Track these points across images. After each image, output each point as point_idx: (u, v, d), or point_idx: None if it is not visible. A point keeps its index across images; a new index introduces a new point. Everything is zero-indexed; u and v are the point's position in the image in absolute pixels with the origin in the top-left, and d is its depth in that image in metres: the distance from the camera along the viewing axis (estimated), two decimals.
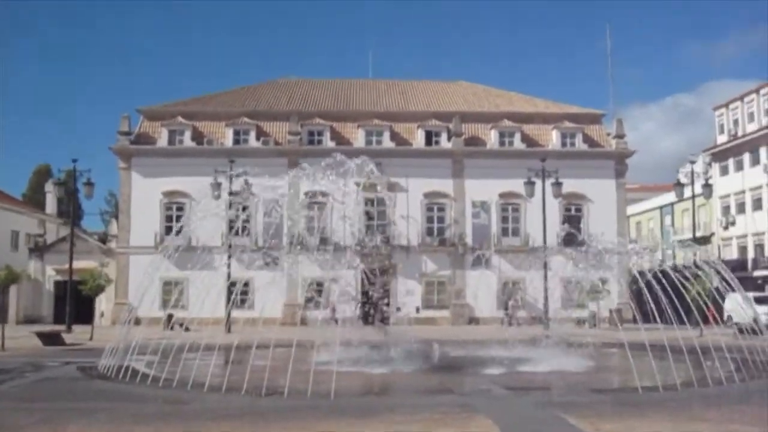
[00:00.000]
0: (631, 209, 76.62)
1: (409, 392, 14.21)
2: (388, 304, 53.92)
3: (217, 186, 44.36)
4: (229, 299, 44.03)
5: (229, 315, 43.09)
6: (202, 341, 17.78)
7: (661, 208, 70.61)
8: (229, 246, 42.06)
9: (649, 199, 74.45)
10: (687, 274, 21.43)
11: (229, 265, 42.30)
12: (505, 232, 54.53)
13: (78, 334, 34.14)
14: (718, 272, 24.30)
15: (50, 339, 27.58)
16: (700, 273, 39.02)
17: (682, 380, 13.94)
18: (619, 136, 55.34)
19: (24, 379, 16.24)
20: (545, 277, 43.21)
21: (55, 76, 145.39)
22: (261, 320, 47.74)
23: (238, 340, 19.52)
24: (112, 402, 12.56)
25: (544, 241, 44.15)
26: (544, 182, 43.02)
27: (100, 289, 37.12)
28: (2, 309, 53.15)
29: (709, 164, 65.08)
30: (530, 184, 43.36)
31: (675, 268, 59.25)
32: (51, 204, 66.67)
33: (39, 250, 54.82)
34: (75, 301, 42.25)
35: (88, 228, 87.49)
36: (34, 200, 76.39)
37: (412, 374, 17.28)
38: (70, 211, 79.37)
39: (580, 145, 55.22)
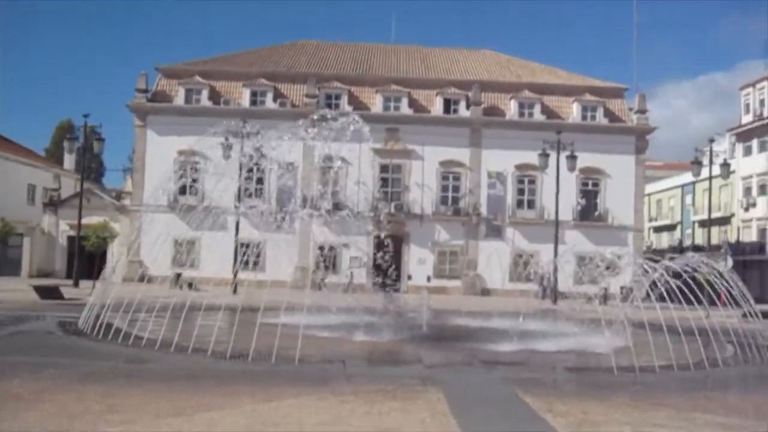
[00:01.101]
0: (652, 187, 75.74)
1: (377, 362, 13.94)
2: (398, 272, 53.98)
3: (228, 147, 44.09)
4: (236, 260, 44.38)
5: (235, 276, 43.23)
6: (202, 301, 17.62)
7: (682, 186, 69.62)
8: (237, 206, 41.75)
9: (672, 177, 73.45)
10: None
11: (237, 227, 42.15)
12: (520, 204, 53.93)
13: (82, 289, 34.19)
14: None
15: (48, 293, 27.52)
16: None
17: (664, 363, 13.51)
18: (641, 111, 54.35)
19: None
20: (555, 250, 42.62)
21: (78, 34, 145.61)
22: (269, 283, 48.04)
23: (237, 302, 19.40)
24: (72, 358, 12.36)
25: (557, 215, 43.54)
26: (558, 155, 42.32)
27: (103, 243, 37.12)
28: (9, 262, 53.86)
29: (734, 144, 63.89)
30: (544, 156, 42.66)
31: (694, 248, 58.46)
32: (69, 159, 66.81)
33: (53, 204, 55.03)
34: (87, 257, 42.39)
35: (110, 185, 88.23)
36: (56, 155, 76.73)
37: (393, 343, 17.01)
38: (85, 167, 79.75)
39: (600, 119, 54.31)
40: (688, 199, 69.29)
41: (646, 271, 17.76)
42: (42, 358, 12.33)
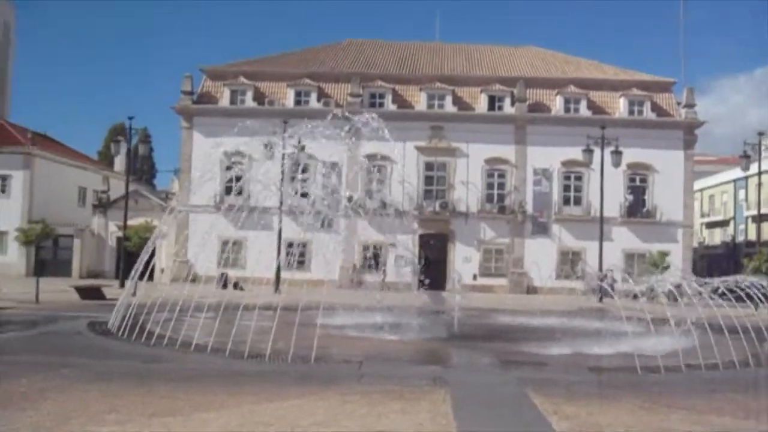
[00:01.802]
0: (704, 182, 74.21)
1: (393, 361, 13.76)
2: (444, 270, 53.69)
3: (270, 147, 44.25)
4: (279, 260, 44.53)
5: (278, 275, 43.45)
6: (240, 301, 17.63)
7: (734, 181, 67.94)
8: (280, 206, 41.85)
9: (724, 172, 71.84)
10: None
11: (280, 227, 42.30)
12: (566, 200, 53.20)
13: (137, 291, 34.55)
14: None
15: (89, 293, 27.92)
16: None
17: (691, 362, 13.12)
18: (689, 105, 53.17)
19: (29, 332, 16.40)
20: (600, 247, 41.90)
21: (128, 39, 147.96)
22: (315, 282, 48.21)
23: (275, 301, 19.41)
24: (90, 358, 12.47)
25: (601, 211, 42.82)
26: (603, 150, 41.61)
27: (143, 244, 37.38)
28: (61, 263, 54.88)
29: None
30: (588, 151, 42.02)
31: (747, 244, 57.23)
32: (120, 162, 67.79)
33: (102, 206, 55.92)
34: (135, 258, 42.75)
35: (161, 186, 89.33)
36: (108, 158, 77.96)
37: (418, 342, 16.85)
38: (135, 168, 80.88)
39: (648, 113, 53.30)
40: (741, 194, 67.65)
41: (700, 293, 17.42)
42: (60, 357, 12.42)
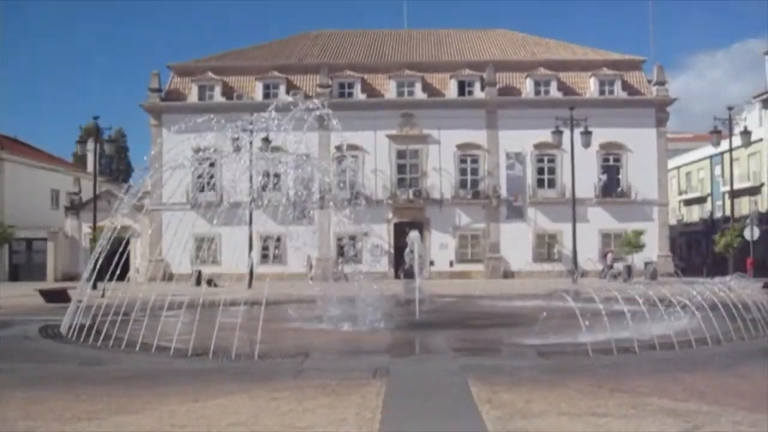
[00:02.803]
0: (681, 159, 74.34)
1: (341, 354, 13.41)
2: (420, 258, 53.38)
3: (235, 142, 43.74)
4: (250, 255, 44.17)
5: (251, 270, 43.08)
6: (211, 298, 17.24)
7: (711, 157, 67.99)
8: (250, 201, 41.38)
9: (700, 148, 71.86)
10: None
11: (250, 222, 41.88)
12: (540, 183, 53.17)
13: (99, 291, 34.02)
14: None
15: (54, 296, 27.43)
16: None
17: (646, 342, 12.85)
18: (660, 83, 53.16)
19: None
20: (573, 228, 41.72)
21: (96, 37, 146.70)
22: (292, 275, 47.87)
23: (244, 297, 19.05)
24: (28, 362, 12.09)
25: (573, 192, 42.65)
26: (572, 131, 41.41)
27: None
28: (35, 266, 54.30)
29: (761, 111, 62.17)
30: (558, 133, 41.88)
31: (724, 219, 57.29)
32: (92, 162, 67.10)
33: (75, 208, 55.35)
34: (107, 258, 42.20)
35: (138, 185, 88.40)
36: (83, 159, 77.11)
37: (374, 332, 16.52)
38: (111, 169, 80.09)
39: (619, 92, 53.28)
40: (717, 170, 67.72)
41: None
42: None
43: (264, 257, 53.49)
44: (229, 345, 12.50)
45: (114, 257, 17.97)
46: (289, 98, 53.47)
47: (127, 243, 42.68)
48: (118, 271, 17.57)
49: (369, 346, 14.20)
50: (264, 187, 50.96)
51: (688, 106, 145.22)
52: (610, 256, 48.16)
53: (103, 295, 27.52)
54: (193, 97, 54.47)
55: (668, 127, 55.53)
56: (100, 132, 43.85)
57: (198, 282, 44.14)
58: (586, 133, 41.51)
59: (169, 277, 51.36)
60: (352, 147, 52.93)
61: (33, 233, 54.93)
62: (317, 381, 9.82)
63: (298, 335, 16.46)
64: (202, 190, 52.42)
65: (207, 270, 45.39)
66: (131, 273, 49.63)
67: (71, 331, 15.60)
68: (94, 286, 39.32)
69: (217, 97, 54.17)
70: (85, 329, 15.24)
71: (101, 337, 14.37)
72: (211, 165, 53.01)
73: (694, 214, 73.86)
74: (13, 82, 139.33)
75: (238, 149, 43.85)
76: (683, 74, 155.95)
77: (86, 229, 54.24)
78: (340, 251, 50.00)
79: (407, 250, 24.86)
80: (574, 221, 42.01)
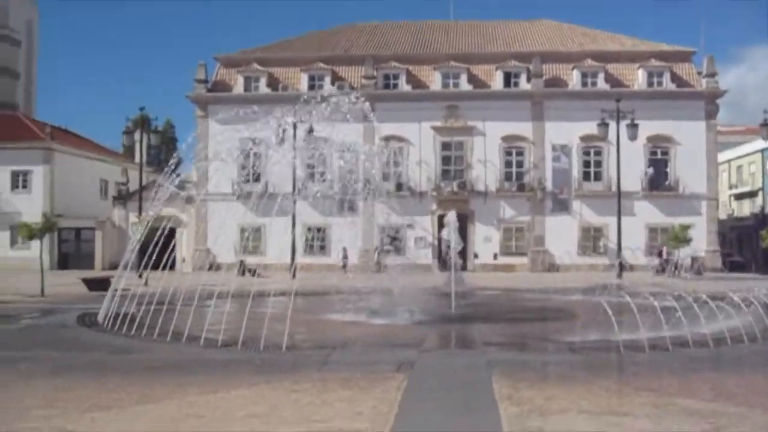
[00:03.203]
0: (731, 153, 72.79)
1: (368, 346, 13.34)
2: (464, 251, 53.15)
3: (281, 132, 43.94)
4: (293, 246, 44.40)
5: (293, 261, 43.29)
6: (252, 288, 17.34)
7: (762, 151, 66.42)
8: (293, 191, 41.69)
9: (752, 142, 70.31)
10: None
11: (293, 213, 42.00)
12: (586, 176, 52.42)
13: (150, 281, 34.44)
14: None
15: (97, 285, 27.83)
16: None
17: (679, 340, 12.60)
18: (710, 74, 51.98)
19: (14, 325, 16.28)
20: (618, 222, 41.13)
21: (147, 28, 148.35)
22: (334, 267, 48.06)
23: (286, 287, 19.13)
24: (60, 351, 12.30)
25: (618, 186, 42.00)
26: (618, 124, 40.71)
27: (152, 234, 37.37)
28: (84, 256, 55.19)
29: None
30: (604, 125, 41.20)
31: None
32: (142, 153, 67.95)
33: (122, 198, 56.18)
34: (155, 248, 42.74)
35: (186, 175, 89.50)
36: (132, 150, 78.19)
37: (406, 326, 16.46)
38: (160, 159, 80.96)
39: (667, 84, 52.24)
40: None
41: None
42: (29, 351, 12.29)
43: (311, 248, 53.68)
44: (259, 336, 12.56)
45: (159, 247, 18.13)
46: (333, 89, 53.67)
47: (173, 233, 43.49)
48: (164, 261, 17.68)
49: (398, 339, 14.14)
50: (311, 178, 51.25)
51: (741, 99, 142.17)
52: (665, 250, 47.27)
53: (146, 284, 27.96)
54: (239, 88, 54.76)
55: (719, 119, 54.39)
56: (148, 123, 44.36)
57: (242, 272, 44.52)
58: (633, 126, 40.81)
59: (216, 267, 52.00)
60: (397, 138, 52.86)
61: (81, 223, 55.86)
62: (341, 374, 9.83)
63: (328, 327, 16.51)
64: (247, 180, 52.94)
65: (252, 260, 45.63)
66: (178, 263, 50.31)
67: (106, 319, 15.80)
68: (140, 275, 40.03)
69: (263, 88, 54.37)
70: (121, 318, 15.42)
71: (135, 326, 14.56)
72: (256, 156, 53.59)
73: (745, 208, 72.29)
74: (64, 74, 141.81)
75: (282, 140, 44.18)
76: (737, 67, 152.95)
77: (133, 218, 55.07)
78: (381, 243, 50.14)
79: (444, 235, 24.66)
80: (619, 215, 41.39)
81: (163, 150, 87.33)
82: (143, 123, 43.33)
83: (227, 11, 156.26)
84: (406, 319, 17.13)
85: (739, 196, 73.59)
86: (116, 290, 16.96)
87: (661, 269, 44.29)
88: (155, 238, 18.16)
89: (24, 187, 56.59)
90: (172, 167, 21.15)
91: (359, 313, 18.50)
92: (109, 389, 8.97)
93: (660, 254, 47.17)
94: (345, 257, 48.63)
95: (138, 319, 15.19)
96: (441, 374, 10.00)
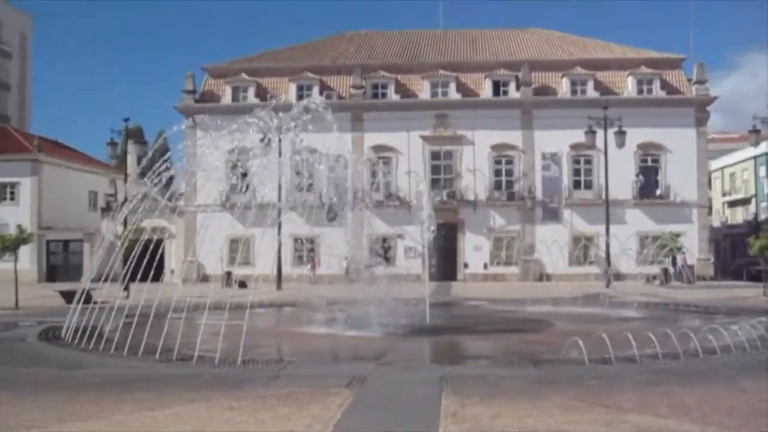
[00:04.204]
0: (724, 160, 72.60)
1: (328, 359, 13.01)
2: (453, 260, 52.77)
3: (267, 142, 43.63)
4: (279, 257, 43.96)
5: (279, 272, 42.94)
6: (232, 300, 17.00)
7: (755, 158, 66.20)
8: (278, 200, 41.17)
9: (744, 149, 70.05)
10: None
11: (279, 222, 41.56)
12: (577, 184, 52.09)
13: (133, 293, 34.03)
14: None
15: (74, 297, 27.36)
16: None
17: (651, 352, 12.22)
18: (700, 81, 51.74)
19: None
20: (607, 230, 40.82)
21: (135, 38, 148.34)
22: (323, 278, 47.69)
23: (269, 298, 18.76)
24: (6, 365, 11.89)
25: (606, 194, 41.74)
26: (606, 131, 40.43)
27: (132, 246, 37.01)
28: (72, 267, 54.81)
29: None
30: (591, 133, 40.94)
31: None
32: (131, 164, 67.64)
33: (111, 209, 55.81)
34: (139, 259, 42.42)
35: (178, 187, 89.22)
36: (124, 161, 77.94)
37: (376, 338, 16.07)
38: (148, 170, 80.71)
39: (657, 92, 51.98)
40: (762, 170, 65.94)
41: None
42: None
43: (299, 258, 53.29)
44: (220, 349, 12.22)
45: (147, 258, 17.80)
46: (321, 99, 53.36)
47: (160, 244, 43.03)
48: (151, 272, 17.32)
49: (361, 352, 13.79)
50: (299, 188, 50.89)
51: (741, 107, 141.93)
52: (681, 257, 46.72)
53: (127, 297, 27.60)
54: (227, 98, 54.46)
55: (715, 127, 54.37)
56: (140, 134, 44.21)
57: (228, 283, 44.16)
58: (620, 133, 40.49)
59: (203, 278, 51.62)
60: (386, 148, 52.59)
61: (70, 234, 55.53)
62: (286, 389, 9.46)
63: (296, 339, 16.15)
64: (236, 191, 52.57)
65: (240, 271, 45.36)
66: (166, 274, 49.95)
67: (68, 333, 15.44)
68: (125, 288, 39.63)
69: (251, 98, 54.01)
70: (85, 332, 15.06)
71: (95, 341, 14.20)
72: (244, 166, 53.15)
73: (738, 215, 72.02)
74: (57, 86, 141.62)
75: (266, 150, 43.82)
76: (734, 73, 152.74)
77: (121, 230, 54.71)
78: (375, 253, 49.72)
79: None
80: (608, 223, 41.07)
81: (157, 161, 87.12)
82: (130, 134, 43.10)
83: (213, 21, 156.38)
84: (376, 331, 16.75)
85: (733, 204, 73.35)
86: (79, 303, 16.57)
87: (664, 279, 43.83)
88: (140, 250, 17.83)
89: (12, 198, 56.23)
90: (154, 178, 20.80)
91: (332, 324, 18.14)
92: (39, 407, 8.60)
93: (674, 262, 46.49)
94: (313, 268, 49.42)
95: (104, 333, 14.84)
96: (390, 390, 9.62)
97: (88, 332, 14.96)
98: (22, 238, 27.78)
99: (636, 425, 7.59)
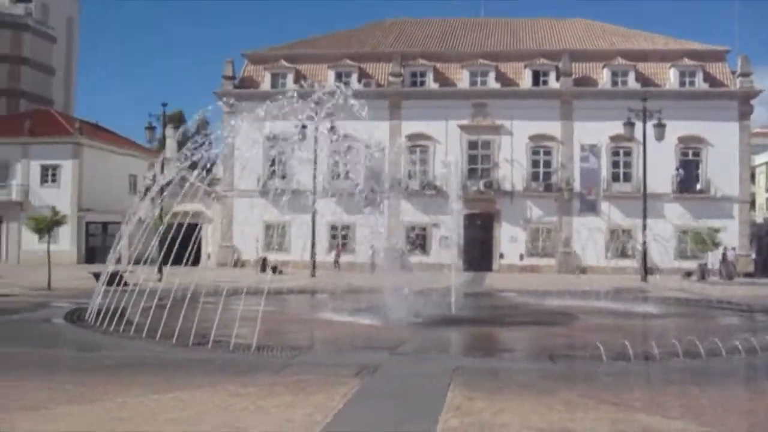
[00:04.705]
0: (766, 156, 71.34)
1: (343, 347, 12.93)
2: (489, 251, 52.51)
3: (303, 129, 43.71)
4: (313, 244, 44.05)
5: (313, 259, 43.02)
6: (266, 286, 17.04)
7: None
8: (313, 188, 41.42)
9: None
10: None
11: (314, 210, 41.77)
12: (615, 177, 51.40)
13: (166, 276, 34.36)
14: None
15: (108, 279, 27.67)
16: None
17: (672, 350, 11.95)
18: (744, 74, 50.67)
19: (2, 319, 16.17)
20: (644, 224, 40.29)
21: (179, 24, 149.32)
22: (360, 266, 47.68)
23: (299, 286, 18.80)
24: (27, 346, 12.08)
25: (644, 186, 41.16)
26: (644, 124, 39.81)
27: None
28: (108, 250, 55.49)
29: None
30: (630, 125, 40.32)
31: None
32: (172, 148, 68.27)
33: (146, 192, 56.37)
34: (180, 243, 42.80)
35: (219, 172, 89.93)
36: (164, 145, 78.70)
37: (396, 328, 15.95)
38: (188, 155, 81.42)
39: (700, 84, 51.04)
40: None
41: None
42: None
43: (336, 246, 53.40)
44: (238, 335, 12.28)
45: (183, 242, 17.85)
46: (359, 87, 53.36)
47: (197, 228, 43.48)
48: (187, 256, 17.38)
49: (379, 341, 13.72)
50: (336, 176, 51.00)
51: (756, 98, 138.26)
52: (731, 253, 45.88)
53: (159, 280, 27.83)
54: (266, 84, 54.62)
55: (759, 121, 53.23)
56: (182, 119, 44.65)
57: (263, 269, 44.34)
58: (660, 126, 39.82)
59: (240, 263, 51.95)
60: (423, 137, 52.45)
61: (109, 217, 56.22)
62: (295, 377, 9.46)
63: (316, 327, 16.14)
64: (273, 177, 52.80)
65: (276, 257, 45.42)
66: (202, 259, 50.38)
67: (90, 315, 15.61)
68: (159, 270, 40.04)
69: (290, 84, 54.11)
70: (109, 314, 15.18)
71: (117, 323, 14.33)
72: (281, 153, 53.40)
73: None
74: (103, 70, 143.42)
75: (304, 137, 43.93)
76: None
77: (157, 213, 55.25)
78: (411, 242, 49.69)
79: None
80: (645, 216, 40.52)
81: (196, 146, 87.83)
82: (172, 119, 43.48)
83: (254, 8, 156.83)
84: (397, 320, 16.66)
85: None
86: (105, 285, 16.74)
87: (701, 275, 43.06)
88: (177, 234, 17.89)
89: (53, 181, 57.10)
90: (188, 160, 20.88)
91: (355, 313, 18.09)
92: (50, 388, 8.70)
93: (724, 257, 45.58)
94: (338, 254, 49.48)
95: (126, 316, 14.98)
96: (399, 380, 9.54)
97: (110, 314, 15.07)
98: (55, 220, 28.15)
99: (642, 425, 7.44)
